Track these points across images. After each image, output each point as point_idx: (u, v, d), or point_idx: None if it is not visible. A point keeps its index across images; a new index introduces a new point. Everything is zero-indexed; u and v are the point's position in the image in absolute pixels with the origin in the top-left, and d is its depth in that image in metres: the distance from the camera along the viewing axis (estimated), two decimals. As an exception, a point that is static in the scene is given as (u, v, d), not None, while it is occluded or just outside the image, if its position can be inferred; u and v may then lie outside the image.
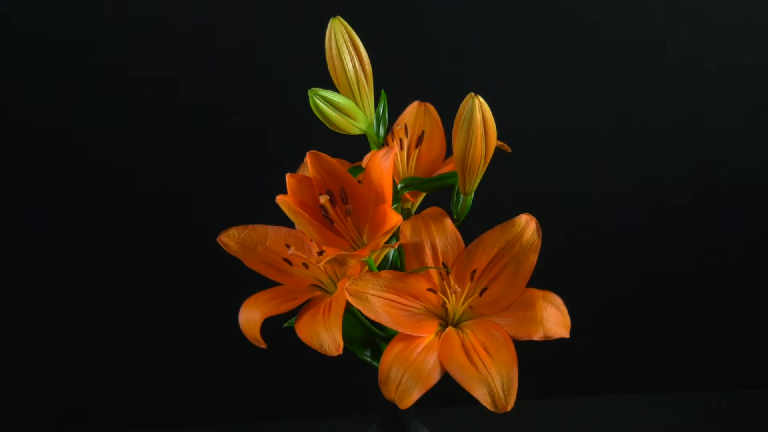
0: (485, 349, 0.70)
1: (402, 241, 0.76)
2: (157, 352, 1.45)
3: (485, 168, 0.76)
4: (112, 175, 1.35)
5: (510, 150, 0.84)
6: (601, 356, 1.51)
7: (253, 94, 1.32)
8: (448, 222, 0.77)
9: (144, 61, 1.30)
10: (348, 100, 0.76)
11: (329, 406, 1.45)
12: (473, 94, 0.71)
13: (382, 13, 1.30)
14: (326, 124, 0.76)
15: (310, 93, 0.74)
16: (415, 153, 0.85)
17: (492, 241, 0.75)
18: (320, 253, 0.77)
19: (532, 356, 1.45)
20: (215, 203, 1.33)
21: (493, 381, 0.68)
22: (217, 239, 0.79)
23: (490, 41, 1.34)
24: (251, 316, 0.73)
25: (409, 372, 0.70)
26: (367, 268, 0.75)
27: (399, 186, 0.79)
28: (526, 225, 0.74)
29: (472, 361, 0.69)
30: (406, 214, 0.84)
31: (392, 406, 0.74)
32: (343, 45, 0.76)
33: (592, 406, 1.48)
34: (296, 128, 1.14)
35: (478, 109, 0.72)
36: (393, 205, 0.78)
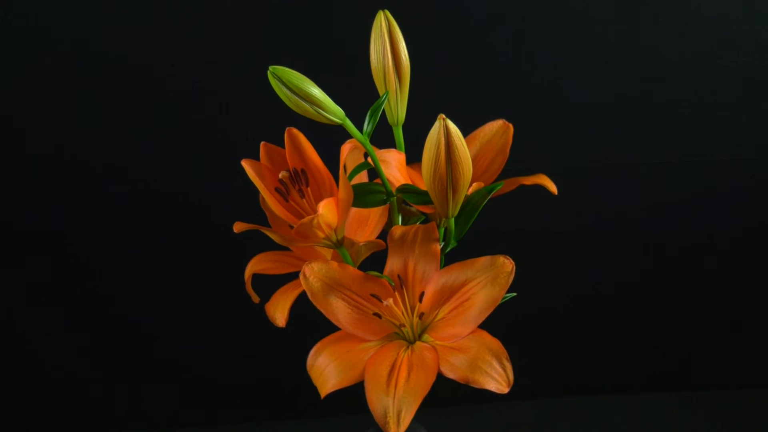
0: (409, 372, 0.68)
1: (389, 242, 0.76)
2: (157, 352, 1.45)
3: (459, 197, 0.71)
4: (111, 176, 1.35)
5: (556, 192, 0.81)
6: (600, 356, 1.51)
7: (253, 93, 1.33)
8: (435, 242, 0.74)
9: (139, 59, 1.30)
10: (320, 91, 0.72)
11: (329, 406, 1.45)
12: (443, 116, 0.67)
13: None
14: (292, 107, 0.72)
15: (269, 69, 0.70)
16: None
17: (461, 270, 0.72)
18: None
19: (533, 356, 1.45)
20: (218, 203, 1.34)
21: (393, 405, 0.66)
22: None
23: (490, 41, 1.34)
24: (248, 268, 0.77)
25: (334, 364, 0.70)
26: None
27: (395, 190, 0.78)
28: (501, 266, 0.70)
29: (389, 379, 0.68)
30: (415, 221, 0.83)
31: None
32: (378, 37, 0.76)
33: (591, 406, 1.48)
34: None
35: (442, 132, 0.67)
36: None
